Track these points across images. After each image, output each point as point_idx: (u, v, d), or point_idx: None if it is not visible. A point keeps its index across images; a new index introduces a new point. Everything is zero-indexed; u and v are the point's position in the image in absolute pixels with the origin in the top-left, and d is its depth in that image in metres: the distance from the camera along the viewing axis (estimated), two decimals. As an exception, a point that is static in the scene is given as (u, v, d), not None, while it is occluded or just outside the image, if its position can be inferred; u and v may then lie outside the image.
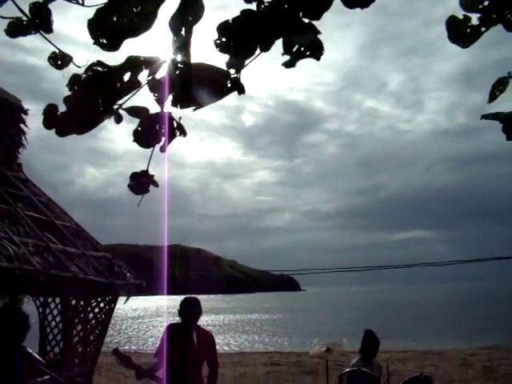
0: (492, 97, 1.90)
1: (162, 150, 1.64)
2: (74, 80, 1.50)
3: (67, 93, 1.50)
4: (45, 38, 1.49)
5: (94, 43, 1.45)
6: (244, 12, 1.44)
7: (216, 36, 1.46)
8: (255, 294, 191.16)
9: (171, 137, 1.63)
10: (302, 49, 1.48)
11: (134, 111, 1.59)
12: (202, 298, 6.22)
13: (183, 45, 1.47)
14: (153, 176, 1.72)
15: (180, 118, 1.63)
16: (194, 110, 1.56)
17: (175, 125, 1.63)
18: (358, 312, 54.93)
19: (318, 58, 1.49)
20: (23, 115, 8.27)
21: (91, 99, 1.51)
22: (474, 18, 1.67)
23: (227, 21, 1.45)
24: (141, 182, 1.72)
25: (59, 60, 1.54)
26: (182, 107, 1.55)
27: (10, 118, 8.00)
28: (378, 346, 6.92)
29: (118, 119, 1.57)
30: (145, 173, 1.72)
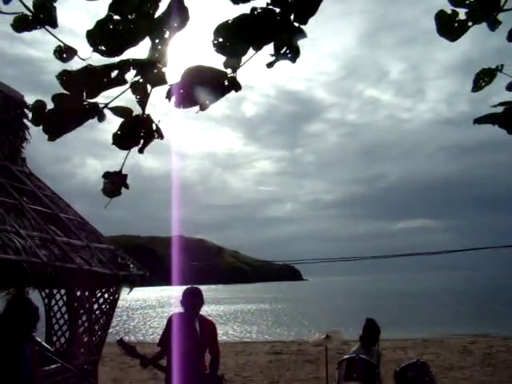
0: (477, 86, 1.91)
1: (141, 151, 1.69)
2: (64, 73, 1.56)
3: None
4: (50, 33, 1.55)
5: (93, 51, 1.52)
6: (239, 16, 1.56)
7: (213, 37, 1.57)
8: (257, 283, 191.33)
9: (149, 139, 1.68)
10: (284, 51, 1.61)
11: (118, 111, 1.64)
12: (203, 288, 6.35)
13: (162, 49, 1.56)
14: (125, 177, 1.73)
15: (159, 121, 1.68)
16: (197, 112, 1.64)
17: (154, 127, 1.67)
18: (359, 301, 55.06)
19: (294, 61, 1.62)
20: (26, 110, 8.38)
21: (78, 90, 1.57)
22: (462, 13, 1.77)
23: (224, 22, 1.55)
24: (112, 182, 1.73)
25: (64, 53, 1.58)
26: (184, 107, 1.63)
27: (13, 113, 8.11)
28: (378, 334, 7.06)
29: (101, 118, 1.62)
30: (118, 173, 1.73)
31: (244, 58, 1.61)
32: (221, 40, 1.56)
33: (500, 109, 1.95)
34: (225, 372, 11.78)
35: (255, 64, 1.63)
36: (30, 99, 8.48)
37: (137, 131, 1.66)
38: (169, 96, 1.61)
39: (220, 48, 1.57)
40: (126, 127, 1.66)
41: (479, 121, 1.96)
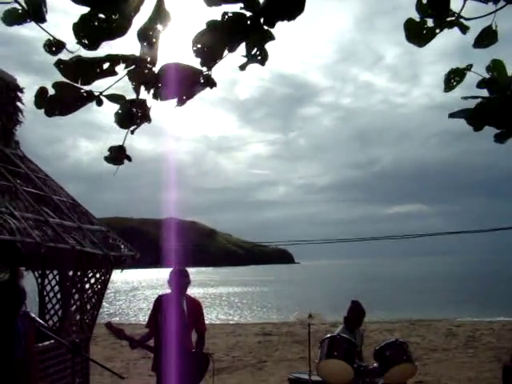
0: (448, 86, 2.01)
1: (132, 132, 1.87)
2: (60, 62, 1.71)
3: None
4: (40, 27, 1.65)
5: (77, 43, 1.67)
6: (212, 22, 1.72)
7: (191, 45, 1.73)
8: (249, 266, 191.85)
9: (142, 121, 1.86)
10: (254, 54, 1.78)
11: (114, 98, 1.81)
12: (191, 270, 6.55)
13: (151, 49, 1.73)
14: (125, 150, 1.92)
15: (150, 107, 1.85)
16: (175, 107, 1.82)
17: (145, 111, 1.85)
18: (349, 284, 55.36)
19: (263, 64, 1.79)
20: (19, 93, 8.49)
21: (73, 77, 1.73)
22: (430, 20, 1.92)
23: (201, 31, 1.71)
24: (116, 156, 1.92)
25: (53, 47, 1.69)
26: (162, 100, 1.80)
27: (6, 96, 8.21)
28: (363, 316, 7.28)
29: (99, 103, 1.79)
30: (120, 147, 1.91)
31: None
32: (199, 46, 1.74)
33: (472, 104, 2.02)
34: (214, 352, 12.08)
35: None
36: (22, 79, 8.56)
37: (134, 113, 1.84)
38: (148, 88, 1.80)
39: (198, 53, 1.75)
40: (127, 108, 1.84)
41: (453, 115, 2.05)
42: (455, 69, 1.99)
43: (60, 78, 1.75)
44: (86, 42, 1.69)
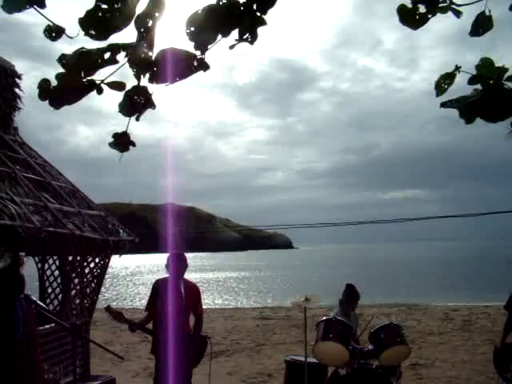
0: (439, 90, 2.07)
1: (137, 119, 1.92)
2: (62, 57, 1.78)
3: (54, 49, 1.80)
4: (40, 13, 1.69)
5: (85, 35, 1.72)
6: (207, 7, 1.77)
7: (185, 27, 1.79)
8: (248, 251, 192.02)
9: (145, 107, 1.91)
10: (248, 37, 1.83)
11: (114, 85, 1.86)
12: (189, 256, 6.64)
13: (148, 36, 1.78)
14: (129, 136, 1.96)
15: (152, 93, 1.90)
16: (167, 85, 1.87)
17: (148, 97, 1.90)
18: (348, 269, 55.48)
19: (252, 44, 1.85)
20: (17, 80, 8.53)
21: (76, 70, 1.78)
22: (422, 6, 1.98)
23: (194, 13, 1.77)
24: (121, 142, 1.96)
25: (53, 32, 1.74)
26: (157, 83, 1.86)
27: (4, 83, 8.24)
28: (357, 299, 7.39)
29: (100, 91, 1.84)
30: (123, 133, 1.95)
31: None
32: (192, 29, 1.79)
33: (469, 90, 2.06)
34: (213, 335, 12.21)
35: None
36: (18, 64, 8.59)
37: (137, 100, 1.90)
38: (143, 73, 1.85)
39: (192, 36, 1.80)
40: (129, 97, 1.89)
41: (445, 105, 2.08)
42: (445, 74, 2.06)
43: (58, 65, 1.81)
44: (93, 32, 1.75)
